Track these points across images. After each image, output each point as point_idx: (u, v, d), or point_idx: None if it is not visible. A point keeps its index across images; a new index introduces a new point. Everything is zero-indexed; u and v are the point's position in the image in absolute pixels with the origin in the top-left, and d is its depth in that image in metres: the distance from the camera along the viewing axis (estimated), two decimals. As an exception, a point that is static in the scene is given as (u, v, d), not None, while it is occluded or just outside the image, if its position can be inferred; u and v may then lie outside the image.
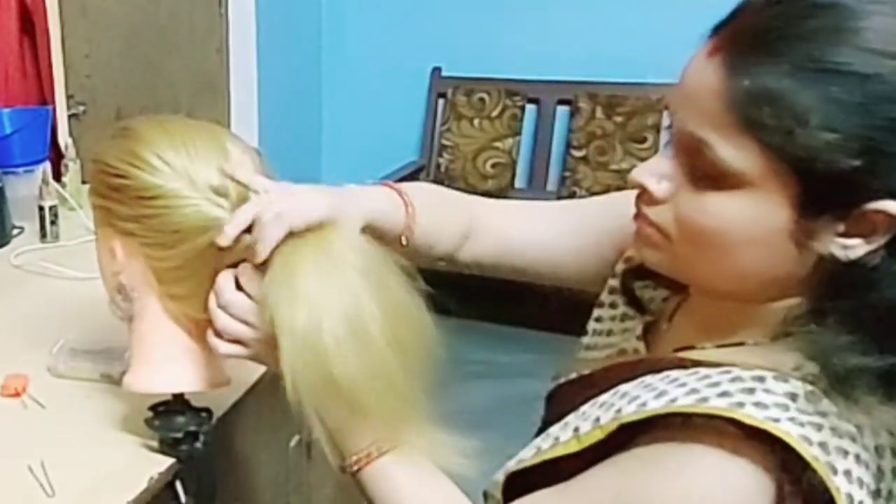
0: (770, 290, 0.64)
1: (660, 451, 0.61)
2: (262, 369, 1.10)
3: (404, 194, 0.86)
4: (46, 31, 2.05)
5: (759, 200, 0.60)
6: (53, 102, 2.06)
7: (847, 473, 0.58)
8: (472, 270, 0.97)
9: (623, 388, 0.66)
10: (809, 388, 0.59)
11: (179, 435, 0.89)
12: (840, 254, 0.59)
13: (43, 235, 1.65)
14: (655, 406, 0.61)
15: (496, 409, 2.56)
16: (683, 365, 0.65)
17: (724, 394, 0.59)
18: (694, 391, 0.60)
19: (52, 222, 1.64)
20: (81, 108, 2.26)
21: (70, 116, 2.18)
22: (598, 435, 0.64)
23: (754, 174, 0.59)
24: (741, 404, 0.58)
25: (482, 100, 3.43)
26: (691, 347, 0.69)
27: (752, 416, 0.57)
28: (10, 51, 1.98)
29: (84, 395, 1.03)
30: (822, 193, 0.58)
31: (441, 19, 3.53)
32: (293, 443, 1.51)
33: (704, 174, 0.61)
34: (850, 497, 0.57)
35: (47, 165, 1.81)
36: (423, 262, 0.92)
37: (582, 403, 0.70)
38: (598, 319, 0.88)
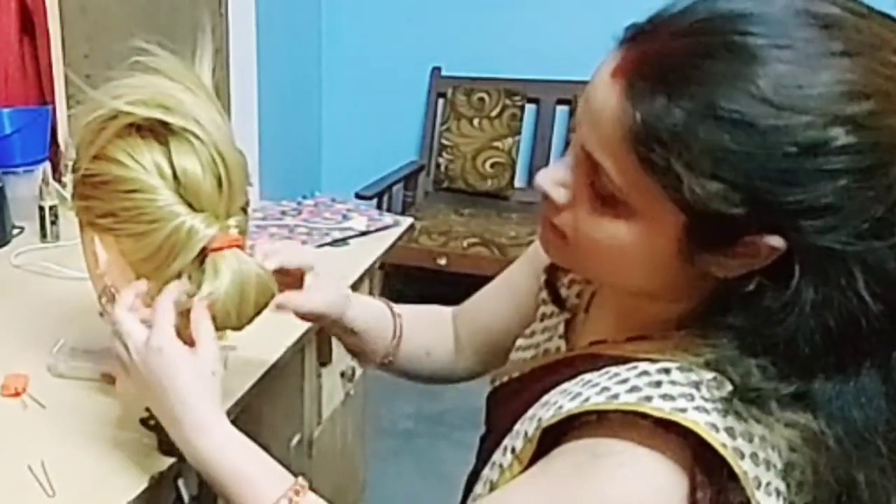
0: (660, 292, 0.67)
1: (577, 448, 0.62)
2: (261, 370, 1.10)
3: (396, 314, 0.98)
4: (46, 30, 2.04)
5: (648, 229, 0.62)
6: (53, 102, 2.06)
7: (754, 456, 0.59)
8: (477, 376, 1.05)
9: (545, 397, 0.68)
10: (711, 374, 0.61)
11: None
12: (718, 272, 0.61)
13: (43, 235, 1.64)
14: (570, 407, 0.63)
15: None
16: (595, 365, 0.66)
17: (632, 389, 0.61)
18: (605, 389, 0.62)
19: (52, 222, 1.64)
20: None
21: (70, 116, 2.18)
22: (530, 448, 0.65)
23: (644, 207, 0.61)
24: (649, 398, 0.60)
25: (482, 99, 3.44)
26: (604, 341, 0.72)
27: (659, 408, 0.59)
28: (10, 51, 1.97)
29: (84, 395, 1.03)
30: (706, 230, 0.59)
31: (441, 19, 3.53)
32: (294, 442, 1.51)
33: (600, 193, 0.63)
34: (757, 480, 0.58)
35: (47, 165, 1.81)
36: (431, 381, 1.06)
37: (513, 414, 0.71)
38: None
